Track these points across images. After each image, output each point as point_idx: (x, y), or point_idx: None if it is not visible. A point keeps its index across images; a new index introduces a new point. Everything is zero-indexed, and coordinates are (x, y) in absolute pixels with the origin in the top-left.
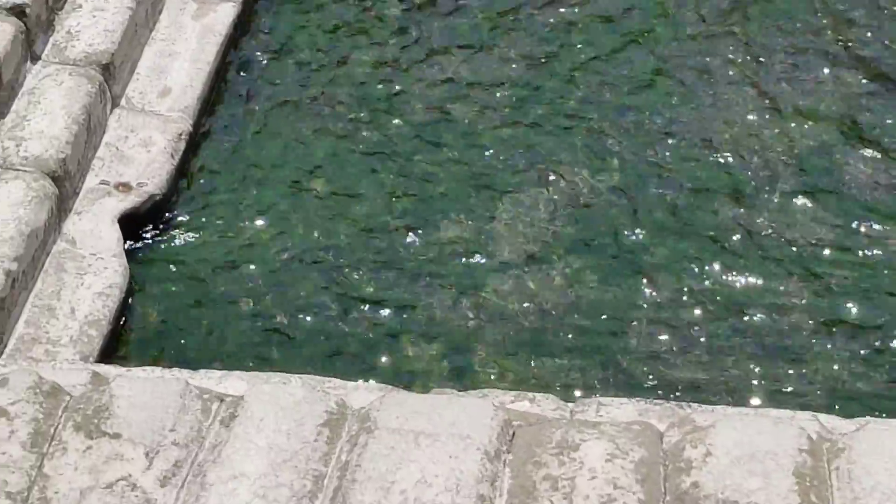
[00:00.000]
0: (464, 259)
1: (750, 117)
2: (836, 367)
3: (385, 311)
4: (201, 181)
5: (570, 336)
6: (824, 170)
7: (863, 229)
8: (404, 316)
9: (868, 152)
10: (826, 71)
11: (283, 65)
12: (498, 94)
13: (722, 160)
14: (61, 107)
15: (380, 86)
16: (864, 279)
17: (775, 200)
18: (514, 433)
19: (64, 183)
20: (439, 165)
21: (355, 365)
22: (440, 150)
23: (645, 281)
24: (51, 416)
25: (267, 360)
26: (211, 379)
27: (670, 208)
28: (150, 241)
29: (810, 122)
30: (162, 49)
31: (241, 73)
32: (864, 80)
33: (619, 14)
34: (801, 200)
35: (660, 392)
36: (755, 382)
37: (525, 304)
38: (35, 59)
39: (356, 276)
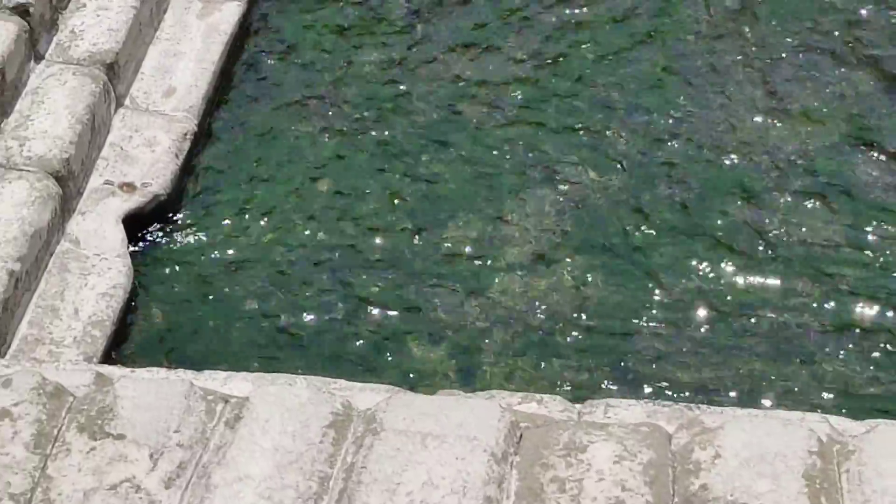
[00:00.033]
0: (471, 259)
1: (759, 118)
2: (846, 368)
3: (391, 312)
4: (206, 181)
5: (577, 337)
6: (834, 170)
7: (873, 230)
8: (411, 316)
9: (878, 153)
10: (835, 71)
11: (289, 64)
12: (505, 94)
13: (731, 160)
14: (65, 106)
15: (386, 85)
16: (875, 280)
17: (785, 201)
18: (521, 435)
19: (68, 183)
20: (446, 165)
21: (361, 366)
22: (447, 149)
23: (653, 281)
24: (54, 417)
25: (272, 361)
26: (216, 380)
27: (679, 208)
28: (155, 241)
29: (819, 123)
30: (166, 48)
31: (247, 73)
32: (873, 81)
33: (627, 13)
34: (810, 201)
35: (668, 393)
36: (764, 384)
37: (533, 305)
38: (39, 58)
39: (362, 277)
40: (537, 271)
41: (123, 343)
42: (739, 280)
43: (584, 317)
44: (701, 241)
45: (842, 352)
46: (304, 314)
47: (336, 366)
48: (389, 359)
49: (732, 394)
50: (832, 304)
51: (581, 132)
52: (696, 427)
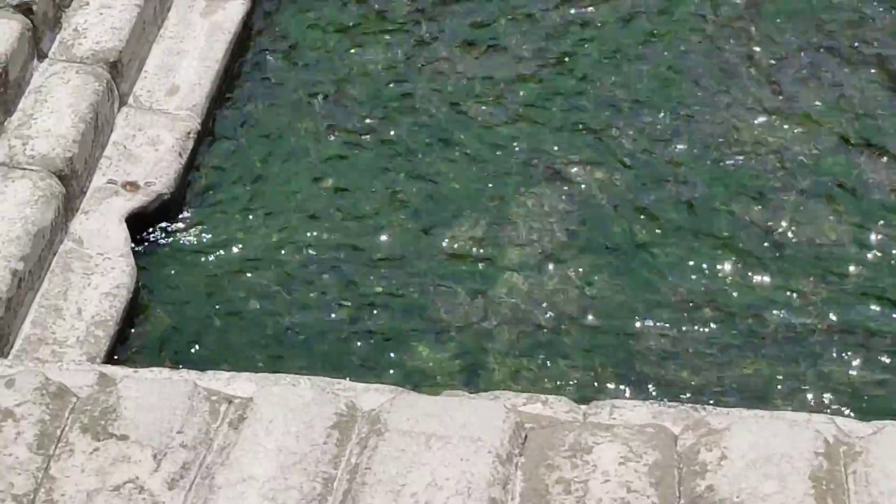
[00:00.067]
0: (476, 259)
1: (765, 117)
2: (853, 369)
3: (396, 312)
4: (210, 180)
5: (583, 337)
6: (840, 170)
7: (880, 230)
8: (415, 316)
9: (884, 153)
10: (841, 70)
11: (293, 63)
12: (510, 93)
13: (737, 160)
14: (68, 105)
15: (391, 84)
16: (882, 280)
17: (791, 201)
18: (526, 436)
19: (71, 182)
20: (451, 164)
21: (365, 366)
22: (452, 148)
23: (659, 281)
24: (57, 417)
25: (276, 361)
26: (219, 380)
27: (685, 208)
28: (158, 240)
29: (826, 123)
30: (170, 47)
31: (251, 71)
32: (879, 80)
33: (633, 12)
34: (817, 201)
35: (674, 394)
36: (771, 384)
37: (538, 305)
38: (42, 56)
39: (366, 277)
40: (542, 271)
41: (127, 343)
42: (745, 280)
43: (589, 317)
44: (707, 241)
45: (849, 352)
46: (309, 314)
47: (340, 366)
48: (393, 359)
49: (738, 395)
50: (839, 304)
51: (586, 131)
52: (702, 428)
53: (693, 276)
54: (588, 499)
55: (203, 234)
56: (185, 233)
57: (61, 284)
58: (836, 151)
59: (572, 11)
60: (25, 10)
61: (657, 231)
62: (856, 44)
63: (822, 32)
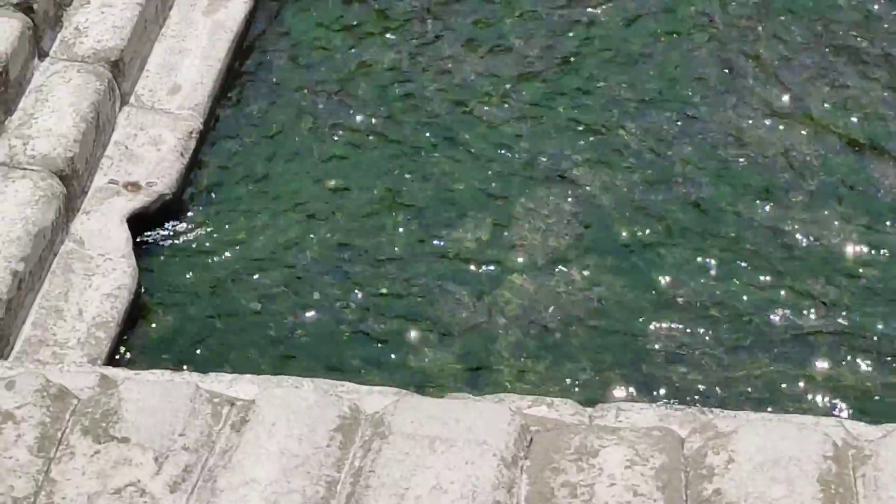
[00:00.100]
0: (481, 259)
1: (772, 118)
2: (862, 371)
3: (400, 313)
4: (212, 180)
5: (589, 339)
6: (849, 171)
7: (888, 231)
8: (419, 318)
9: (892, 154)
10: (850, 70)
11: (297, 61)
12: (516, 92)
13: (745, 161)
14: (69, 104)
15: (395, 83)
16: (891, 282)
17: (799, 201)
18: (531, 439)
19: (72, 182)
20: (456, 164)
21: (369, 368)
22: (457, 148)
23: (666, 283)
24: (58, 419)
25: (279, 363)
26: (221, 382)
27: (692, 209)
28: (160, 241)
29: (834, 123)
30: (172, 46)
31: (253, 70)
32: (887, 80)
33: (639, 12)
34: (826, 201)
35: (681, 396)
36: (779, 387)
37: (543, 306)
38: (43, 55)
39: (370, 277)
40: (548, 272)
41: (128, 345)
42: (753, 281)
43: (595, 318)
44: (714, 242)
45: (858, 354)
46: (312, 315)
47: (343, 368)
48: (397, 361)
49: (746, 397)
50: (847, 306)
51: (592, 131)
52: (710, 431)
53: (700, 278)
54: (594, 503)
55: (205, 235)
56: (187, 233)
57: (62, 285)
58: (844, 152)
59: (578, 10)
60: (26, 9)
61: (663, 232)
62: (863, 43)
63: (830, 32)
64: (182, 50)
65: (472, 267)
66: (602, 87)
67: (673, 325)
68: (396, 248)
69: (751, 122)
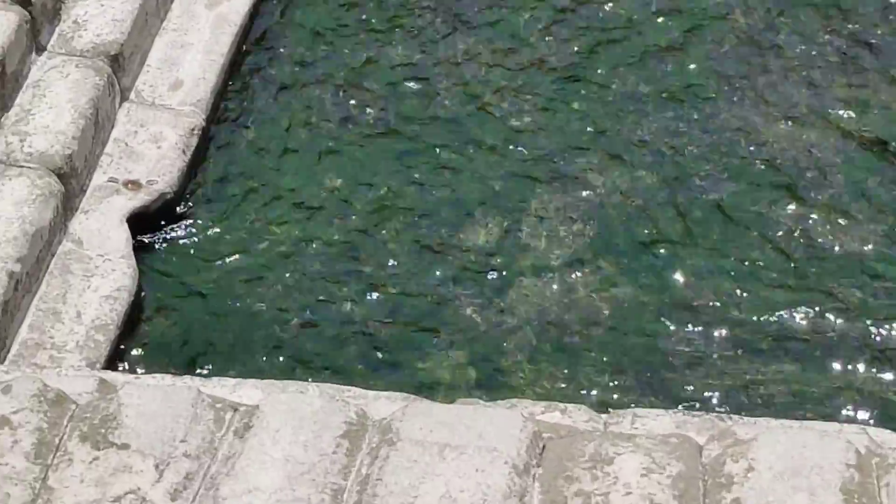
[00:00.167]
0: (493, 260)
1: (795, 118)
2: (886, 377)
3: (409, 315)
4: (214, 178)
5: (604, 343)
6: (874, 169)
7: None
8: (429, 320)
9: None
10: (874, 64)
11: (303, 56)
12: (531, 88)
13: (766, 161)
14: (68, 100)
15: (406, 78)
16: None
17: (822, 202)
18: (544, 446)
19: (70, 180)
20: (469, 162)
21: (377, 372)
22: (470, 146)
23: (684, 285)
24: (56, 425)
25: (283, 367)
26: (224, 387)
27: (711, 209)
28: (161, 241)
29: (859, 119)
30: (173, 40)
31: (258, 65)
32: None
33: (660, 10)
34: (849, 202)
35: (699, 403)
36: (800, 393)
37: (557, 309)
38: (40, 49)
39: (378, 279)
40: (562, 273)
41: (128, 348)
42: (774, 283)
43: (610, 322)
44: (734, 243)
45: (882, 360)
46: (318, 317)
47: (350, 372)
48: (406, 365)
49: (766, 403)
50: (870, 309)
51: (608, 128)
52: (729, 438)
53: (719, 279)
54: None
55: (207, 235)
56: (188, 233)
57: (60, 287)
58: (867, 150)
59: (596, 6)
60: (23, 2)
61: (682, 232)
62: (885, 37)
63: (851, 26)
64: (184, 44)
65: (483, 267)
66: (618, 83)
67: (690, 329)
68: (404, 249)
69: (771, 119)
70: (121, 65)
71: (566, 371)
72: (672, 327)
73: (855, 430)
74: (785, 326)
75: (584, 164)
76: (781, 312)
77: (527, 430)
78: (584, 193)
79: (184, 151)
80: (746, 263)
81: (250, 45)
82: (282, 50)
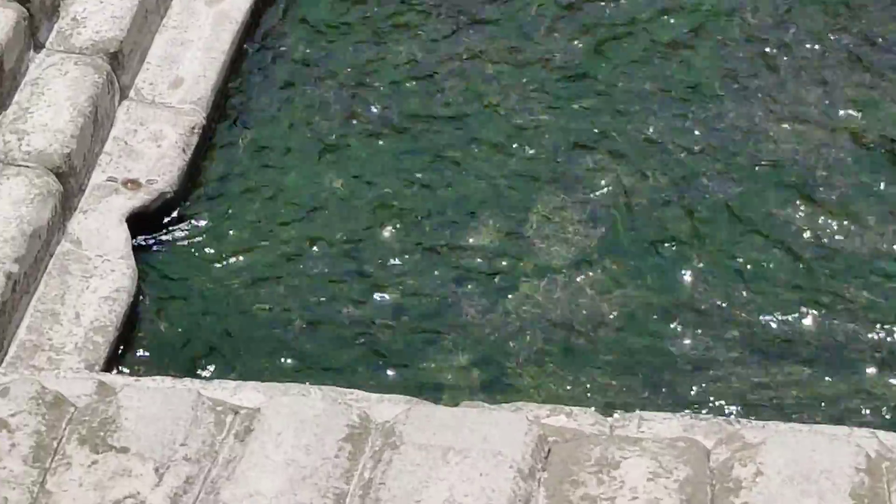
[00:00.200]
0: (497, 262)
1: (807, 112)
2: None
3: (412, 318)
4: (215, 177)
5: (610, 346)
6: (886, 169)
7: None
8: (432, 322)
9: None
10: (885, 62)
11: (307, 53)
12: (538, 86)
13: (776, 158)
14: (66, 98)
15: (412, 76)
16: None
17: (832, 201)
18: (549, 450)
19: (69, 179)
20: (474, 160)
21: (379, 375)
22: (474, 144)
23: (692, 286)
24: (54, 428)
25: (285, 370)
26: (225, 390)
27: (720, 209)
28: (160, 241)
29: (871, 117)
30: (174, 37)
31: (260, 63)
32: None
33: (669, 3)
34: (860, 202)
35: (706, 406)
36: (809, 396)
37: (563, 311)
38: (38, 47)
39: (381, 280)
40: (567, 274)
41: (127, 350)
42: (784, 284)
43: (617, 323)
44: (743, 243)
45: (892, 362)
46: (320, 319)
47: (353, 375)
48: (409, 368)
49: (775, 407)
50: (881, 311)
51: (616, 127)
52: (737, 442)
53: (728, 280)
54: None
55: (208, 235)
56: (188, 233)
57: (58, 288)
58: (879, 149)
59: (604, 4)
60: None
61: (689, 233)
62: None
63: (861, 23)
64: (184, 41)
65: (488, 268)
66: (624, 82)
67: (699, 330)
68: (408, 249)
69: (779, 118)
70: (120, 62)
71: (571, 373)
72: (679, 329)
73: (865, 434)
74: (794, 328)
75: (590, 163)
76: (790, 314)
77: (532, 433)
78: (590, 193)
79: (184, 150)
80: (755, 264)
81: (252, 43)
82: (284, 47)
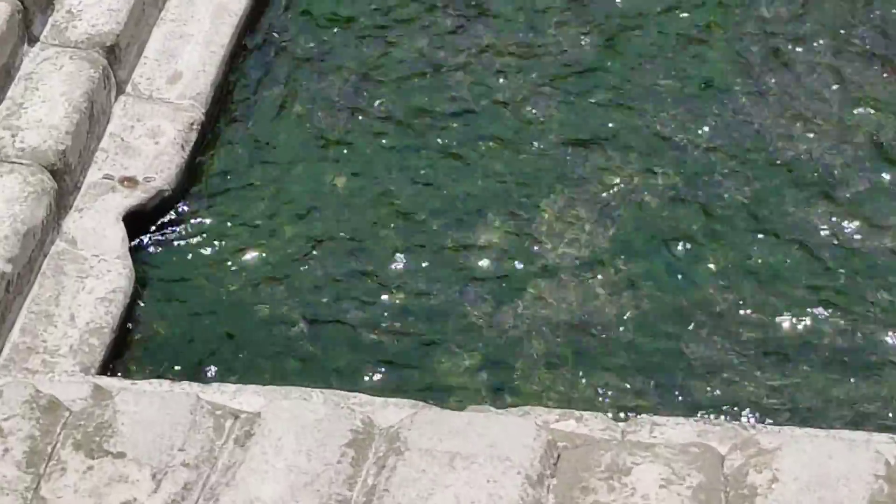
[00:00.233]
0: (505, 262)
1: (824, 111)
2: None
3: (417, 320)
4: (214, 175)
5: (621, 349)
6: None
7: None
8: (438, 324)
9: None
10: None
11: (308, 48)
12: (548, 83)
13: (794, 156)
14: (61, 93)
15: (417, 73)
16: None
17: (852, 200)
18: (558, 455)
19: (64, 177)
20: (482, 157)
21: (383, 379)
22: (483, 141)
23: (707, 286)
24: (48, 433)
25: (286, 373)
26: (224, 393)
27: (737, 206)
28: (158, 240)
29: (890, 112)
30: (172, 30)
31: (260, 57)
32: None
33: (682, 1)
34: (880, 200)
35: (721, 410)
36: (826, 400)
37: (572, 313)
38: (33, 40)
39: (385, 280)
40: (579, 274)
41: (124, 353)
42: (802, 284)
43: (629, 326)
44: (760, 243)
45: None
46: (321, 320)
47: (356, 378)
48: (414, 371)
49: (791, 411)
50: None
51: (629, 124)
52: (752, 448)
53: (744, 281)
54: None
55: (207, 234)
56: (187, 232)
57: (53, 288)
58: None
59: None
60: None
61: (704, 232)
62: None
63: (879, 19)
64: (183, 35)
65: (496, 268)
66: (637, 77)
67: (713, 333)
68: (414, 250)
69: (800, 113)
70: (117, 56)
71: (582, 377)
72: (693, 331)
73: (884, 440)
74: (811, 330)
75: (601, 160)
76: (807, 315)
77: (541, 438)
78: (601, 191)
79: (182, 147)
80: (773, 264)
81: (252, 36)
82: (285, 41)
